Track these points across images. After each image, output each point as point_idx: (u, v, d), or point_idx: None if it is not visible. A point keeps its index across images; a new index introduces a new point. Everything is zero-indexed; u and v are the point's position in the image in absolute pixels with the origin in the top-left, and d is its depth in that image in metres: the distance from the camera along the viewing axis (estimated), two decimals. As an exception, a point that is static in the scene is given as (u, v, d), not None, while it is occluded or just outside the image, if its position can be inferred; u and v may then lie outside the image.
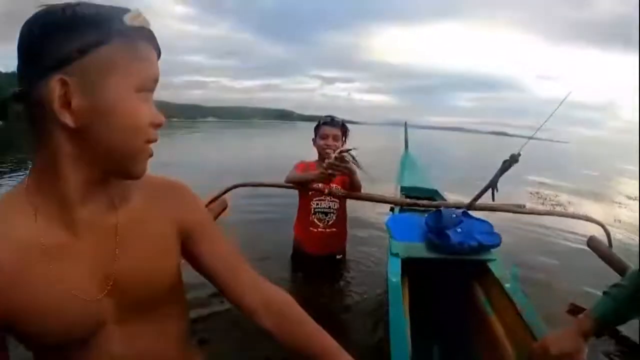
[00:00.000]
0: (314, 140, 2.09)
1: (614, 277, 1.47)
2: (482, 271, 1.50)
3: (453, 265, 1.54)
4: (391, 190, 2.64)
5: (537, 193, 6.45)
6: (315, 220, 2.05)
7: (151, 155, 0.53)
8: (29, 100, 0.46)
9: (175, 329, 0.64)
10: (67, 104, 0.45)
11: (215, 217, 1.66)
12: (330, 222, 2.06)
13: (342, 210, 2.09)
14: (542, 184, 7.72)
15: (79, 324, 0.52)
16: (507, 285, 1.32)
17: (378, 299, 1.95)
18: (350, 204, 2.15)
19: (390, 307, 1.19)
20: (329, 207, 2.05)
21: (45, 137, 0.47)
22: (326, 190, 1.95)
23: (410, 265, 1.45)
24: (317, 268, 2.11)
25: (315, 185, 1.96)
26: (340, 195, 2.00)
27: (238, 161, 8.83)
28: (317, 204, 2.04)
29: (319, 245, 2.08)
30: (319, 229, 2.05)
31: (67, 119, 0.45)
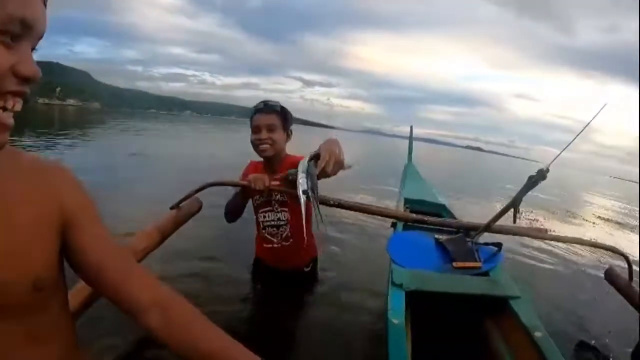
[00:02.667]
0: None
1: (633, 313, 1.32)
2: (498, 309, 1.26)
3: (465, 301, 1.31)
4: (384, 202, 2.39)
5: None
6: (267, 235, 1.69)
7: (10, 127, 0.42)
8: None
9: (55, 335, 0.54)
10: None
11: (189, 217, 1.44)
12: (284, 236, 1.67)
13: (295, 219, 1.61)
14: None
15: None
16: (537, 334, 1.06)
17: (352, 321, 1.71)
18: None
19: (390, 355, 0.98)
20: (278, 219, 1.65)
21: None
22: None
23: (415, 298, 1.20)
24: (278, 281, 1.81)
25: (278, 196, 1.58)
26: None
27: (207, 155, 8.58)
28: (264, 217, 1.67)
29: (278, 261, 1.75)
30: (274, 245, 1.69)
31: None
